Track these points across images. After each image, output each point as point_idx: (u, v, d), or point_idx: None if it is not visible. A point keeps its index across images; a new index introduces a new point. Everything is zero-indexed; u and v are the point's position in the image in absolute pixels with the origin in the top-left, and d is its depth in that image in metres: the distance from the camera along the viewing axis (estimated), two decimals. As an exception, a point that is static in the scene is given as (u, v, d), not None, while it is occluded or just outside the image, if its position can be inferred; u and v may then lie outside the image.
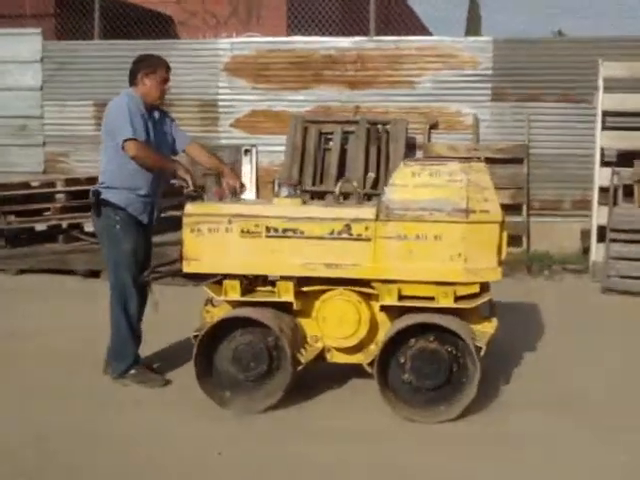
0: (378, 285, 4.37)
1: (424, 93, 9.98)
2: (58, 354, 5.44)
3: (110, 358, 4.88)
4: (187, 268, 4.47)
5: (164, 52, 10.48)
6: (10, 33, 10.88)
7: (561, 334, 6.10)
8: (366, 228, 4.26)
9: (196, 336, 4.43)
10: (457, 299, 4.30)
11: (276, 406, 4.35)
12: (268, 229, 4.34)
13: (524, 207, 9.57)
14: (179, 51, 10.54)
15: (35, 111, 10.66)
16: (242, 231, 4.35)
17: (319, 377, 4.79)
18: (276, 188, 4.57)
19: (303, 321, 4.53)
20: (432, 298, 4.31)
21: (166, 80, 4.87)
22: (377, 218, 4.26)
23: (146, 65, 4.85)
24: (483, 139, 9.85)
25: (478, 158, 9.55)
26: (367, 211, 4.32)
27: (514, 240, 9.36)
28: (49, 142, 10.62)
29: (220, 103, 10.46)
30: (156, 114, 4.91)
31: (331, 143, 9.83)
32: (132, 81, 4.86)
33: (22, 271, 8.42)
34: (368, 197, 8.49)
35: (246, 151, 8.01)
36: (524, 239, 9.49)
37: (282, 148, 9.86)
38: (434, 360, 4.23)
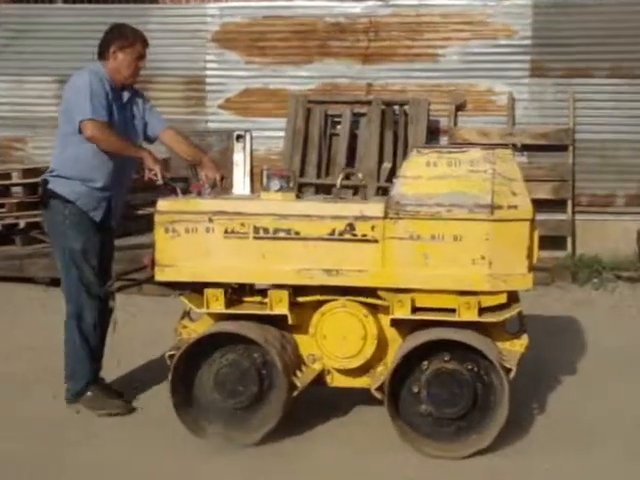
0: (387, 295, 4.34)
1: (449, 68, 9.91)
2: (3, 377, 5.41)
3: (65, 378, 4.86)
4: (160, 276, 4.42)
5: (141, 19, 10.56)
6: (-42, -4, 10.88)
7: (610, 357, 6.00)
8: (372, 227, 4.24)
9: (172, 356, 4.38)
10: (481, 311, 4.28)
11: (268, 438, 4.30)
12: (256, 229, 4.31)
13: (569, 203, 9.49)
14: (159, 18, 10.48)
15: (-15, 89, 10.65)
16: (226, 231, 4.33)
17: (320, 405, 4.75)
18: (264, 180, 4.50)
19: (299, 338, 4.51)
20: (452, 310, 4.29)
21: (142, 56, 4.86)
22: (386, 216, 4.24)
23: (121, 37, 4.83)
24: (520, 122, 9.78)
25: (514, 145, 9.57)
26: (374, 207, 4.29)
27: (557, 242, 9.29)
28: (2, 125, 10.53)
29: (208, 80, 10.40)
30: (125, 94, 4.90)
31: (339, 127, 9.77)
32: (101, 54, 4.84)
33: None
34: (384, 191, 8.44)
35: (238, 137, 7.82)
36: (569, 241, 9.41)
37: (281, 133, 9.81)
38: (454, 384, 4.21)
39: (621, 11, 9.69)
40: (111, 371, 5.20)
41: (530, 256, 4.25)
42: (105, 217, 4.81)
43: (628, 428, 4.69)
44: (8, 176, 8.78)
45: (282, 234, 4.29)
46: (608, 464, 4.20)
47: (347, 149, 9.55)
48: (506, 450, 4.32)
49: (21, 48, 10.44)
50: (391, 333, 4.46)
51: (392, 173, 9.30)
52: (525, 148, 9.69)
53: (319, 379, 4.51)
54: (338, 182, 4.65)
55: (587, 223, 9.55)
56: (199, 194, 4.62)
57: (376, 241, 4.24)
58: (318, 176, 9.54)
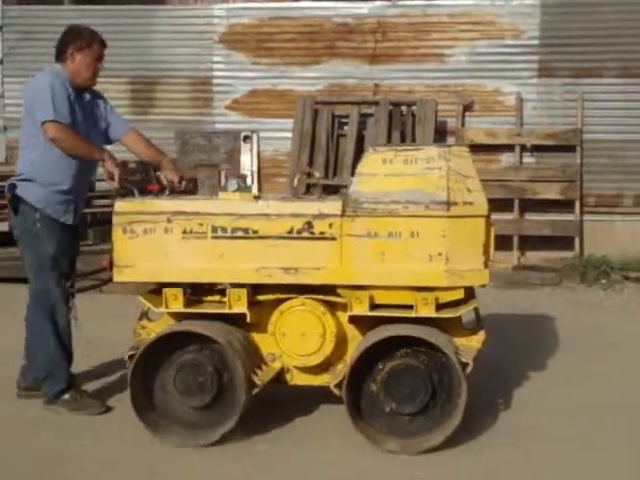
0: (346, 292, 4.36)
1: (457, 68, 9.94)
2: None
3: (42, 380, 4.86)
4: (118, 277, 4.40)
5: (148, 20, 10.64)
6: (-36, -3, 10.92)
7: (619, 357, 5.99)
8: (330, 225, 4.26)
9: (131, 357, 4.39)
10: (438, 307, 4.31)
11: (227, 438, 4.29)
12: (215, 229, 4.31)
13: (577, 204, 9.49)
14: (166, 19, 10.54)
15: (-6, 90, 10.70)
16: (184, 231, 4.33)
17: (279, 403, 4.77)
18: (222, 180, 4.51)
19: (259, 337, 4.51)
20: (411, 307, 4.32)
21: (100, 58, 4.87)
22: (343, 213, 4.25)
23: (78, 38, 4.83)
24: (528, 123, 9.80)
25: (523, 145, 9.59)
26: (331, 205, 4.30)
27: (565, 243, 9.31)
28: (11, 126, 10.60)
29: (215, 81, 10.43)
30: (87, 96, 4.91)
31: (346, 128, 9.79)
32: (59, 56, 4.85)
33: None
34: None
35: (245, 138, 7.97)
36: (577, 241, 9.41)
37: (288, 134, 9.83)
38: (412, 380, 4.23)
39: (629, 10, 9.70)
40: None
41: (486, 252, 4.29)
42: (74, 219, 4.84)
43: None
44: (15, 177, 8.79)
45: (240, 233, 4.30)
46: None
47: (354, 150, 9.56)
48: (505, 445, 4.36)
49: (28, 49, 10.48)
50: (350, 330, 4.47)
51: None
52: (533, 149, 9.70)
53: (279, 378, 4.51)
54: (295, 181, 4.67)
55: (595, 224, 9.55)
56: (157, 195, 4.65)
57: (334, 239, 4.25)
58: (325, 177, 9.55)
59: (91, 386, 5.19)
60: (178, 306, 4.42)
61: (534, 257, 9.43)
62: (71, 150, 4.66)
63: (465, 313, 4.43)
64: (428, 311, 4.27)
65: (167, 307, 4.43)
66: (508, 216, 9.47)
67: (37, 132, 4.67)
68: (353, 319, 4.38)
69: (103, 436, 4.51)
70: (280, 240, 4.29)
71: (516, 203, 9.49)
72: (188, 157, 9.86)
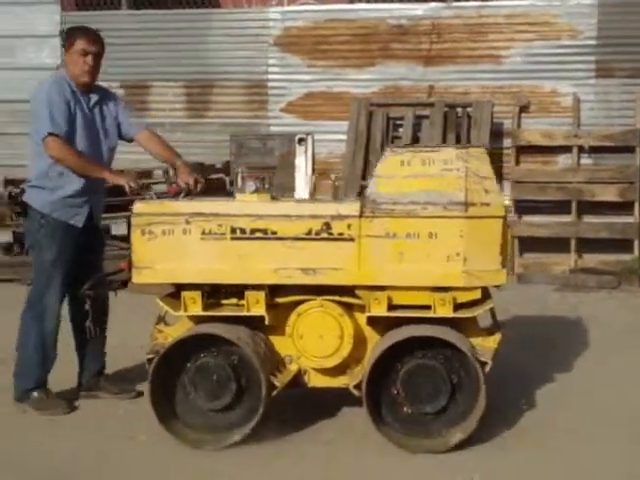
0: (364, 293, 4.38)
1: (513, 69, 9.89)
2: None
3: (14, 376, 4.96)
4: (137, 278, 4.43)
5: (204, 24, 10.74)
6: (23, 2, 11.08)
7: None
8: (349, 226, 4.28)
9: (150, 360, 4.43)
10: (456, 307, 4.34)
11: (246, 441, 4.31)
12: (233, 230, 4.34)
13: (636, 205, 9.35)
14: (221, 22, 10.63)
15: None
16: (203, 233, 4.36)
17: (299, 405, 4.79)
18: (239, 182, 4.55)
19: (276, 339, 4.54)
20: (428, 307, 4.35)
21: (87, 53, 4.84)
22: (361, 214, 4.28)
23: (66, 39, 4.91)
24: (585, 124, 9.70)
25: (580, 147, 9.49)
26: (349, 207, 4.33)
27: (624, 245, 9.19)
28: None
29: (270, 84, 10.51)
30: (93, 97, 4.95)
31: (401, 130, 9.79)
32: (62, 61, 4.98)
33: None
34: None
35: (300, 140, 7.89)
36: (636, 244, 9.27)
37: (343, 136, 9.85)
38: (431, 380, 4.27)
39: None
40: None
41: (503, 253, 4.31)
42: (87, 221, 4.90)
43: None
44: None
45: (259, 234, 4.32)
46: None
47: (409, 152, 9.52)
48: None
49: (87, 54, 10.64)
50: (368, 332, 4.49)
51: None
52: (591, 150, 9.60)
53: (297, 380, 4.54)
54: (311, 184, 4.68)
55: (655, 226, 9.41)
56: (174, 197, 4.70)
57: (352, 240, 4.28)
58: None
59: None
60: (197, 309, 4.45)
61: (592, 260, 9.32)
62: (70, 167, 4.75)
63: (482, 314, 4.44)
64: (446, 311, 4.31)
65: (186, 310, 4.47)
66: (565, 218, 9.40)
67: (39, 141, 4.76)
68: (371, 320, 4.42)
69: (116, 436, 4.57)
70: (299, 241, 4.32)
71: (573, 205, 9.40)
72: (243, 160, 9.93)
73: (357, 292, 4.40)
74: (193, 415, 4.43)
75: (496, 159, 9.67)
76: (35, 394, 4.88)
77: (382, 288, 4.33)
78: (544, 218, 9.52)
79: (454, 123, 9.58)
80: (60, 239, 4.81)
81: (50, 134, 4.68)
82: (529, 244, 9.46)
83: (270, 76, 10.50)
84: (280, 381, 4.36)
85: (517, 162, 9.64)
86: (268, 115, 10.50)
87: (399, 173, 4.29)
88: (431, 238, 4.24)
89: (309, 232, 4.30)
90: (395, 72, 10.14)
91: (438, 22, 10.05)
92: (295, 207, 4.39)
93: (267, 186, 4.56)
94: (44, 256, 4.81)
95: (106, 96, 5.05)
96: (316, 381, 4.56)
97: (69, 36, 4.88)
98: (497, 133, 9.75)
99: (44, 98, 4.73)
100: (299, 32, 10.40)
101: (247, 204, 4.42)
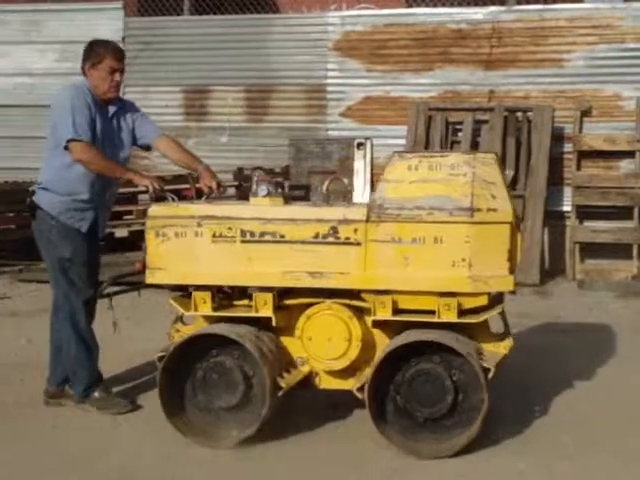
0: (370, 297, 4.42)
1: (574, 73, 9.80)
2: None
3: (70, 381, 5.02)
4: (151, 279, 4.54)
5: (265, 29, 10.81)
6: (87, 8, 11.32)
7: None
8: (355, 230, 4.32)
9: (161, 358, 4.50)
10: (462, 313, 4.33)
11: (250, 441, 4.35)
12: (243, 233, 4.40)
13: (701, 213, 9.23)
14: (281, 27, 10.71)
15: (116, 99, 11.03)
16: (214, 235, 4.43)
17: (306, 407, 4.84)
18: (254, 186, 4.59)
19: (287, 340, 4.59)
20: (434, 312, 4.35)
21: (115, 70, 4.91)
22: (368, 219, 4.31)
23: (91, 54, 4.94)
24: (649, 128, 9.57)
25: (642, 152, 9.35)
26: (356, 211, 4.36)
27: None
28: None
29: (329, 88, 10.55)
30: (111, 109, 5.00)
31: (460, 135, 9.77)
32: (82, 71, 4.99)
33: (100, 283, 8.64)
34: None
35: (359, 145, 7.94)
36: (700, 251, 9.14)
37: (402, 141, 9.84)
38: (432, 385, 4.28)
39: None
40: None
41: (511, 258, 4.29)
42: (91, 228, 4.96)
43: None
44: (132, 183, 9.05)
45: (268, 237, 4.38)
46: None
47: (468, 156, 9.49)
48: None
49: (148, 59, 10.83)
50: (377, 335, 4.52)
51: (514, 181, 9.22)
52: (656, 156, 9.47)
53: (307, 382, 4.58)
54: (324, 187, 4.69)
55: None
56: (191, 200, 4.77)
57: (358, 244, 4.32)
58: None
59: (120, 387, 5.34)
60: (207, 310, 4.53)
61: (655, 266, 9.19)
62: (95, 170, 4.80)
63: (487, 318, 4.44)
64: (450, 316, 4.31)
65: (196, 310, 4.55)
66: (628, 224, 9.28)
67: (55, 144, 4.82)
68: (377, 323, 4.44)
69: (130, 433, 4.66)
70: (306, 245, 4.37)
71: (636, 211, 9.27)
72: (302, 164, 9.96)
73: (363, 295, 4.45)
74: (200, 413, 4.49)
75: (557, 164, 9.60)
76: (96, 394, 4.96)
77: (387, 292, 4.37)
78: (606, 224, 9.41)
79: (514, 128, 9.52)
80: (72, 239, 4.88)
81: (74, 139, 4.73)
82: (590, 250, 9.35)
83: (329, 80, 10.54)
84: (286, 382, 4.40)
85: (578, 167, 9.54)
86: (327, 119, 10.54)
87: (406, 178, 4.32)
88: (436, 243, 4.25)
89: (316, 236, 4.36)
90: (454, 76, 10.12)
91: (498, 26, 10.00)
92: (303, 211, 4.45)
93: (280, 190, 4.61)
94: (60, 254, 4.86)
95: (124, 107, 5.11)
96: (326, 383, 4.62)
97: (95, 52, 4.92)
98: (558, 138, 9.66)
99: (67, 104, 4.78)
100: (358, 37, 10.42)
101: (257, 208, 4.50)
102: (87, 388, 4.96)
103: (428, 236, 4.26)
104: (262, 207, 4.49)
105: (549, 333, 6.80)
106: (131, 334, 6.05)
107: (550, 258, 9.57)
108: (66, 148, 4.76)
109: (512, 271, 4.30)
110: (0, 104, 11.39)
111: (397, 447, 4.29)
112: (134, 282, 4.94)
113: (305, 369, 4.58)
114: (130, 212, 9.14)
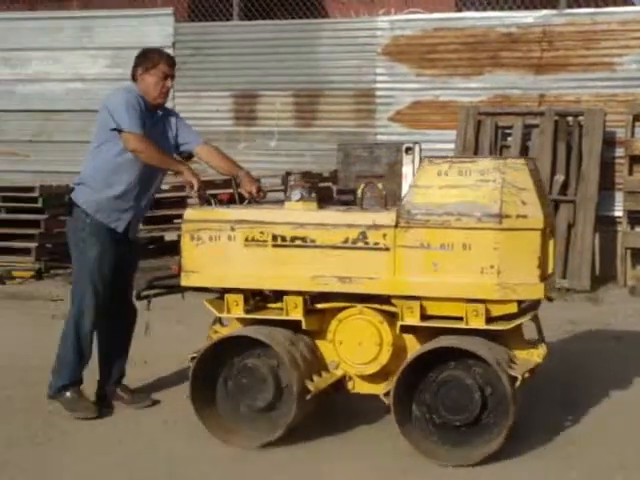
0: (398, 302, 4.42)
1: (627, 77, 9.70)
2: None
3: (51, 372, 5.07)
4: (185, 281, 4.63)
5: (313, 34, 10.85)
6: (137, 14, 11.46)
7: None
8: (384, 236, 4.34)
9: (194, 358, 4.56)
10: (492, 319, 4.31)
11: (278, 443, 4.40)
12: (275, 237, 4.46)
13: None
14: (329, 32, 10.74)
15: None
16: (246, 239, 4.50)
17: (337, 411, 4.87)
18: (288, 191, 4.63)
19: (320, 344, 4.63)
20: (461, 318, 4.33)
21: (167, 76, 5.03)
22: (397, 224, 4.33)
23: (145, 59, 5.05)
24: (703, 133, 9.44)
25: None
26: (385, 216, 4.38)
27: None
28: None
29: (378, 93, 10.54)
30: (158, 113, 5.11)
31: (510, 139, 9.71)
32: (132, 77, 5.10)
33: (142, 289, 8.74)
34: (555, 205, 8.29)
35: (408, 149, 7.91)
36: None
37: (451, 146, 9.81)
38: (460, 392, 4.26)
39: None
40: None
41: (542, 266, 4.25)
42: (126, 229, 5.01)
43: None
44: (184, 187, 9.12)
45: (299, 242, 4.44)
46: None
47: (518, 161, 9.43)
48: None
49: (199, 65, 10.92)
50: (409, 340, 4.53)
51: (564, 186, 9.15)
52: None
53: (340, 385, 4.62)
54: (359, 192, 4.69)
55: None
56: (228, 204, 4.86)
57: (387, 249, 4.34)
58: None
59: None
60: (239, 312, 4.59)
61: None
62: (150, 160, 4.88)
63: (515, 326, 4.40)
64: (478, 323, 4.30)
65: (229, 313, 4.62)
66: (681, 230, 9.15)
67: (107, 143, 4.91)
68: (407, 329, 4.45)
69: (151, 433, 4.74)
70: (336, 250, 4.41)
71: (688, 217, 9.15)
72: (350, 168, 9.97)
73: (393, 301, 4.46)
74: (230, 413, 4.55)
75: (608, 169, 9.50)
76: (68, 394, 5.01)
77: (416, 298, 4.37)
78: (658, 230, 9.30)
79: (565, 132, 9.44)
80: (103, 239, 4.94)
81: (131, 132, 4.82)
82: (642, 256, 9.25)
83: (378, 85, 10.53)
84: (315, 386, 4.42)
85: (630, 172, 9.42)
86: (375, 124, 10.53)
87: (436, 183, 4.32)
88: (465, 249, 4.25)
89: (346, 241, 4.40)
90: (504, 80, 10.06)
91: (549, 30, 9.92)
92: (333, 216, 4.49)
93: (313, 194, 4.65)
94: (88, 253, 4.92)
95: (168, 114, 5.23)
96: (359, 388, 4.65)
97: (149, 57, 5.05)
98: (609, 142, 9.55)
99: (122, 101, 4.88)
100: (407, 41, 10.41)
101: (289, 212, 4.55)
102: (64, 387, 5.01)
103: (457, 242, 4.26)
104: (293, 212, 4.55)
105: (599, 340, 6.74)
106: (166, 334, 6.15)
107: (601, 264, 9.48)
108: (122, 140, 4.84)
109: (543, 279, 4.27)
110: (53, 109, 11.56)
111: (421, 452, 4.28)
112: (171, 285, 4.99)
113: (338, 372, 4.61)
114: (180, 216, 9.19)
